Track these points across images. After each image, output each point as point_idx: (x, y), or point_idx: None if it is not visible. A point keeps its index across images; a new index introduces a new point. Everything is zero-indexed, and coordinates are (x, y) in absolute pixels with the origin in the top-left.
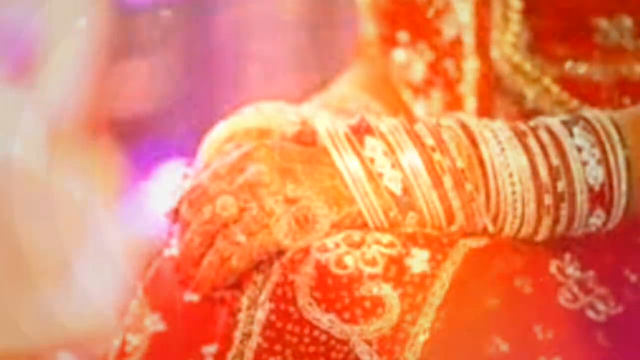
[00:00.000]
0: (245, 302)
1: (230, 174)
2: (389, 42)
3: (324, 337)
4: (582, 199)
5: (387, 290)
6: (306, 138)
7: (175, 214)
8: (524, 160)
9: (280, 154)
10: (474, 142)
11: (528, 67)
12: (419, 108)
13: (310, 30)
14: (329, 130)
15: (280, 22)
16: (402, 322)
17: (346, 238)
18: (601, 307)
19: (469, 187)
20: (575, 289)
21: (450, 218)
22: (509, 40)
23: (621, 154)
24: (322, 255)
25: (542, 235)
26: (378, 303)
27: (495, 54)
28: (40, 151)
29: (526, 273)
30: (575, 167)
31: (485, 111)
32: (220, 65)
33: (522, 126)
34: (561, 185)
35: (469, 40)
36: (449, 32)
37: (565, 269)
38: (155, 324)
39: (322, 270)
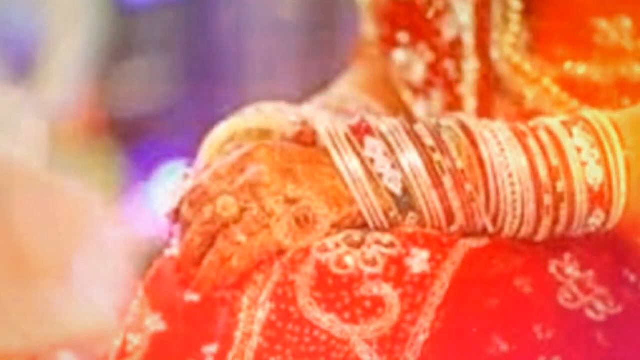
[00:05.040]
0: (245, 301)
1: (231, 174)
2: (389, 42)
3: (324, 337)
4: (581, 199)
5: (386, 290)
6: (306, 138)
7: (176, 214)
8: (523, 160)
9: (281, 154)
10: (473, 142)
11: (527, 67)
12: (419, 108)
13: (310, 30)
14: (329, 131)
15: (280, 22)
16: (401, 321)
17: (346, 238)
18: (600, 306)
19: (468, 187)
20: (575, 289)
21: (450, 218)
22: (508, 41)
23: (620, 154)
24: (322, 255)
25: (541, 235)
26: (378, 303)
27: (494, 54)
28: (40, 151)
29: (525, 273)
30: (575, 167)
31: (485, 111)
32: (220, 65)
33: (522, 126)
34: (560, 185)
35: (469, 40)
36: (448, 32)
37: (564, 268)
38: (155, 323)
39: (322, 270)
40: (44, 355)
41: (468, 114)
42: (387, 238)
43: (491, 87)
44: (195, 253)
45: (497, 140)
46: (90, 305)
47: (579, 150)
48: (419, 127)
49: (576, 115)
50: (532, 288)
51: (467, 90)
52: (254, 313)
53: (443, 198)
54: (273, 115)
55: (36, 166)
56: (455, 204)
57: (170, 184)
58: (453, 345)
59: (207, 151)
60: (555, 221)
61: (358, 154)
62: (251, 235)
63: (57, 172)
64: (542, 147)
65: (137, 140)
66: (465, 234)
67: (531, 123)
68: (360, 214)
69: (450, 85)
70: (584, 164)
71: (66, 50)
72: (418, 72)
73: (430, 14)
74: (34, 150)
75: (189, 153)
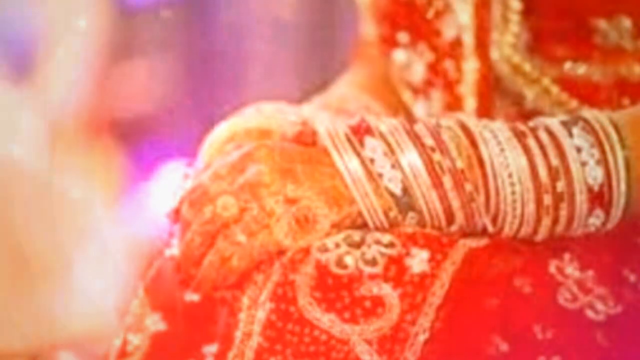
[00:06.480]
0: (245, 301)
1: (231, 174)
2: (389, 42)
3: (324, 337)
4: (581, 199)
5: (386, 290)
6: (306, 138)
7: (176, 214)
8: (523, 161)
9: (281, 154)
10: (473, 142)
11: (527, 67)
12: (419, 108)
13: (310, 30)
14: (329, 131)
15: (280, 22)
16: (401, 321)
17: (346, 238)
18: (600, 306)
19: (468, 187)
20: (574, 289)
21: (450, 218)
22: (508, 41)
23: (620, 154)
24: (322, 255)
25: (541, 235)
26: (378, 302)
27: (494, 54)
28: (40, 151)
29: (525, 273)
30: (574, 167)
31: (485, 111)
32: (220, 65)
33: (522, 126)
34: (560, 185)
35: (469, 40)
36: (448, 32)
37: (564, 268)
38: (155, 323)
39: (322, 270)
40: (44, 355)
41: (468, 114)
42: (387, 238)
43: (491, 87)
44: (195, 253)
45: (497, 140)
46: (90, 305)
47: (578, 150)
48: (419, 127)
49: (576, 115)
50: (532, 288)
51: (467, 90)
52: (254, 313)
53: (443, 198)
54: (273, 115)
55: (36, 166)
56: (455, 204)
57: (170, 184)
58: (453, 345)
59: (207, 151)
60: (555, 221)
61: (358, 154)
62: (251, 235)
63: (57, 172)
64: (542, 147)
65: (137, 140)
66: (465, 234)
67: (531, 123)
68: (360, 214)
69: (450, 85)
70: (583, 164)
71: (66, 50)
72: (418, 72)
73: (430, 14)
74: (34, 150)
75: (189, 153)
